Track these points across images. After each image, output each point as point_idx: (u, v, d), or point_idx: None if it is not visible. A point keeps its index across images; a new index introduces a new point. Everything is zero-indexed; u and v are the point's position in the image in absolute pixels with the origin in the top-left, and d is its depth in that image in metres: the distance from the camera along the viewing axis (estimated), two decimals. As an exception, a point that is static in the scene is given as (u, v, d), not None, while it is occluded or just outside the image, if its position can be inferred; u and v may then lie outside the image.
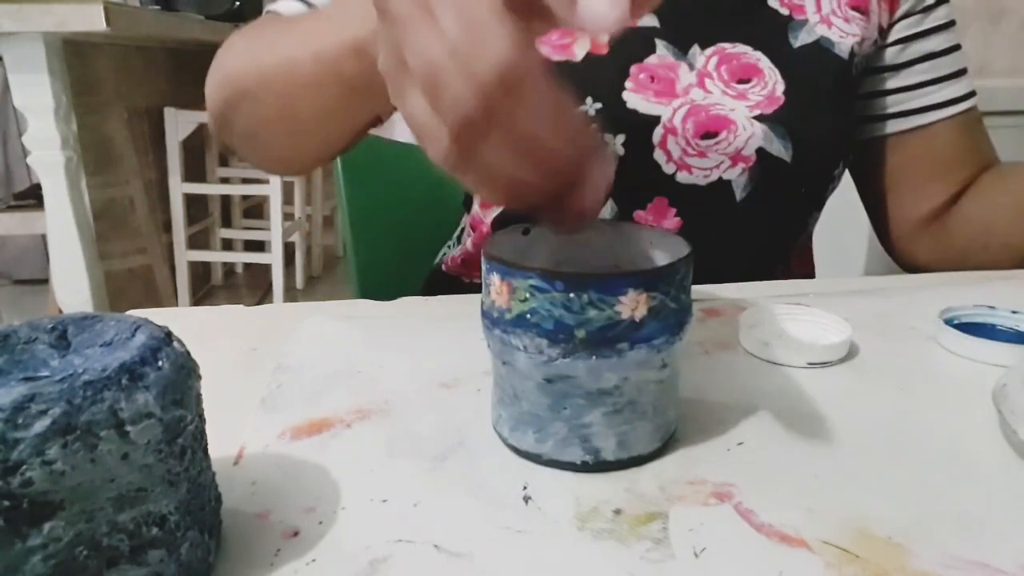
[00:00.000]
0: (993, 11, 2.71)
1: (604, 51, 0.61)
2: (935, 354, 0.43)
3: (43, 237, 1.83)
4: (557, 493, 0.30)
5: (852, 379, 0.40)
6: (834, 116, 0.62)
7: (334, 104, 0.41)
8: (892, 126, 0.67)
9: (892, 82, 0.66)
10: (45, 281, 2.03)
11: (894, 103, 0.66)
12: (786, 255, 0.67)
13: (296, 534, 0.28)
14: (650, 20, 0.62)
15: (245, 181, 2.85)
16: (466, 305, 0.51)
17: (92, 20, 1.51)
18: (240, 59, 0.47)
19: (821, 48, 0.62)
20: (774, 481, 0.31)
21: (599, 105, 0.58)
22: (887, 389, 0.39)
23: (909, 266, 0.71)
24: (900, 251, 0.71)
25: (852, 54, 0.62)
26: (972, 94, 0.66)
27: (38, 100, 1.60)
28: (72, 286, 1.72)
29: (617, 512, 0.29)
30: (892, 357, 0.43)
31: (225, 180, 2.84)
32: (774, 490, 0.30)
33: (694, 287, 0.53)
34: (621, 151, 0.59)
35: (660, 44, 0.61)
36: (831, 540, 0.27)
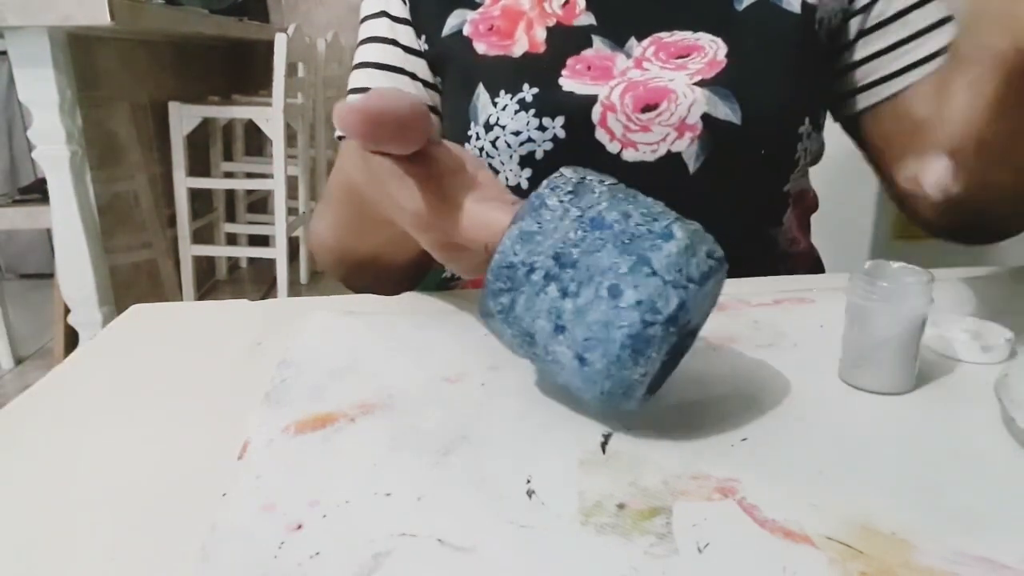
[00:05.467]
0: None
1: (541, 49, 0.61)
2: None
3: (48, 232, 1.84)
4: (560, 487, 0.30)
5: (857, 375, 0.40)
6: (786, 73, 0.59)
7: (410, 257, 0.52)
8: (862, 101, 0.62)
9: (861, 51, 0.61)
10: (51, 275, 2.03)
11: (863, 75, 0.62)
12: (771, 220, 0.64)
13: (300, 527, 0.28)
14: (587, 19, 0.62)
15: (249, 176, 2.85)
16: (470, 301, 0.51)
17: (96, 14, 1.52)
18: (324, 249, 0.62)
19: (768, 6, 0.60)
20: (778, 477, 0.31)
21: (536, 90, 0.58)
22: (892, 385, 0.39)
23: (935, 233, 0.61)
24: (917, 222, 0.62)
25: (806, 7, 0.60)
26: None
27: (43, 94, 1.61)
28: (77, 280, 1.73)
29: (621, 507, 0.29)
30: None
31: (229, 175, 2.85)
32: (778, 486, 0.30)
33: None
34: (562, 134, 0.58)
35: (597, 40, 0.61)
36: (835, 536, 0.27)
